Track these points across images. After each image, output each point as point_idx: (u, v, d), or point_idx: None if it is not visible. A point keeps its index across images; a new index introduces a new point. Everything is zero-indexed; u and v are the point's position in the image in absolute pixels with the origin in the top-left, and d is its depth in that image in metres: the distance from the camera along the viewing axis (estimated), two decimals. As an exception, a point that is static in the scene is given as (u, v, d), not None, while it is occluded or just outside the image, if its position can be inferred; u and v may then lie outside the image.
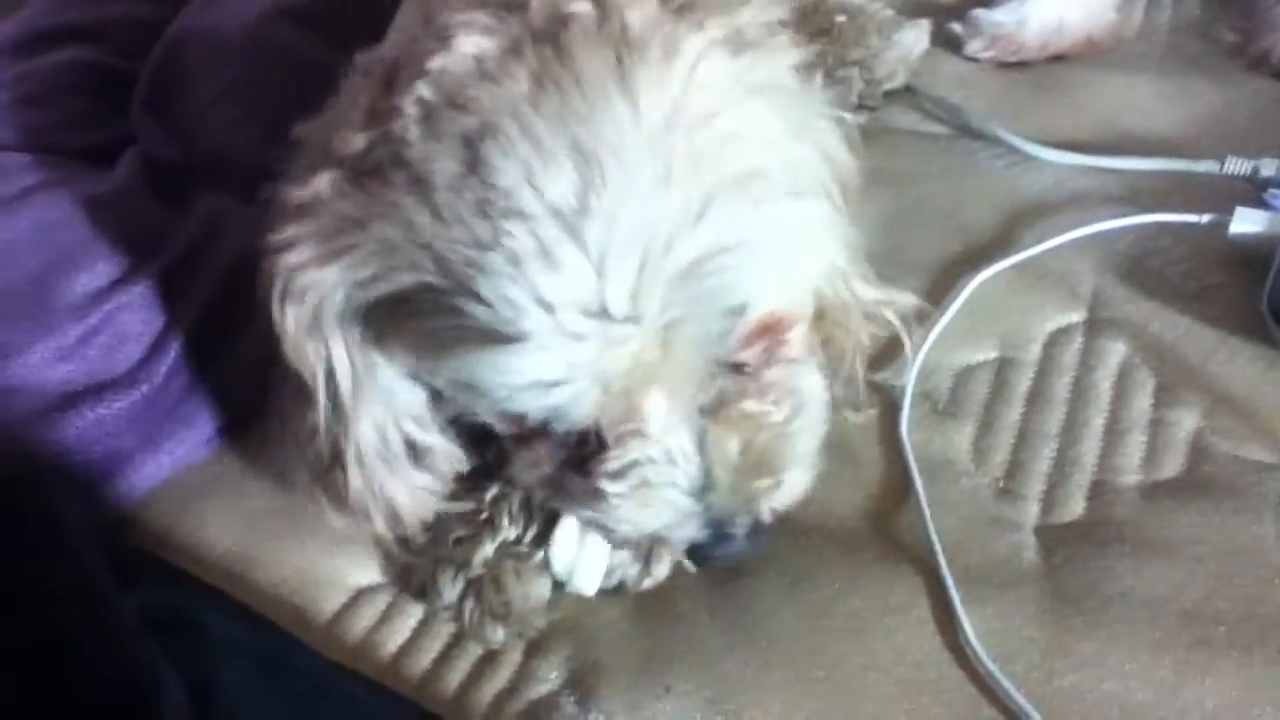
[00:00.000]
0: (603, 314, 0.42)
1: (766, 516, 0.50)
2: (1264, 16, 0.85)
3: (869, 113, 0.83)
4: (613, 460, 0.47)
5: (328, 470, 0.52)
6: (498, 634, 0.54)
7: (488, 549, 0.54)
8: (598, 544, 0.53)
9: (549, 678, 0.53)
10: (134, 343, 0.64)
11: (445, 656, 0.55)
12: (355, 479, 0.51)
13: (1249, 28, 0.86)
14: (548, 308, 0.42)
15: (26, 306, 0.64)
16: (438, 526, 0.56)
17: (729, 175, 0.44)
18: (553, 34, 0.44)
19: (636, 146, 0.42)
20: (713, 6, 0.47)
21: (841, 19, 0.84)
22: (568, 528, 0.53)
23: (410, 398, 0.51)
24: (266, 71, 0.76)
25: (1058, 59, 0.86)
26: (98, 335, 0.64)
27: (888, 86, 0.84)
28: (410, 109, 0.44)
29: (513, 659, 0.54)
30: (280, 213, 0.47)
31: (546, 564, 0.54)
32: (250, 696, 0.49)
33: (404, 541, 0.56)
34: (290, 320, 0.47)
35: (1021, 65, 0.86)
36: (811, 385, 0.53)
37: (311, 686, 0.52)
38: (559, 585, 0.55)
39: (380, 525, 0.53)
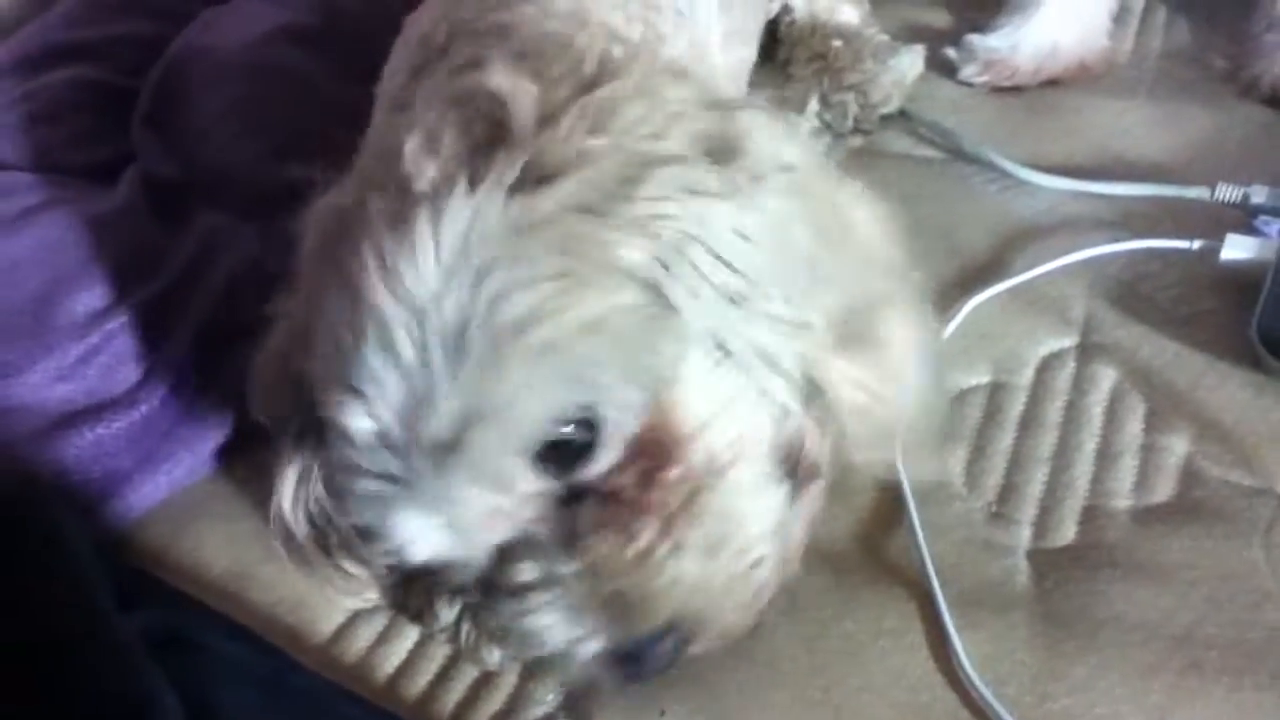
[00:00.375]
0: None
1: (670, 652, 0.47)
2: (1254, 43, 0.86)
3: (864, 136, 0.84)
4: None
5: None
6: (494, 656, 0.54)
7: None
8: None
9: (545, 700, 0.53)
10: (133, 363, 0.65)
11: (442, 678, 0.55)
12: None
13: (1239, 54, 0.87)
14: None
15: (28, 326, 0.64)
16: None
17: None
18: None
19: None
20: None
21: (837, 44, 0.85)
22: None
23: None
24: (267, 90, 0.77)
25: (1051, 84, 0.87)
26: (97, 355, 0.65)
27: (883, 111, 0.84)
28: None
29: (509, 681, 0.54)
30: None
31: None
32: (250, 717, 0.49)
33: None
34: None
35: (1015, 90, 0.87)
36: (751, 509, 0.47)
37: (310, 707, 0.52)
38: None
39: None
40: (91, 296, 0.66)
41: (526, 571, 0.45)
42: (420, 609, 0.56)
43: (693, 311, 0.44)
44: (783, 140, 0.48)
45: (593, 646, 0.45)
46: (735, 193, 0.45)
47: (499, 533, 0.45)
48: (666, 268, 0.44)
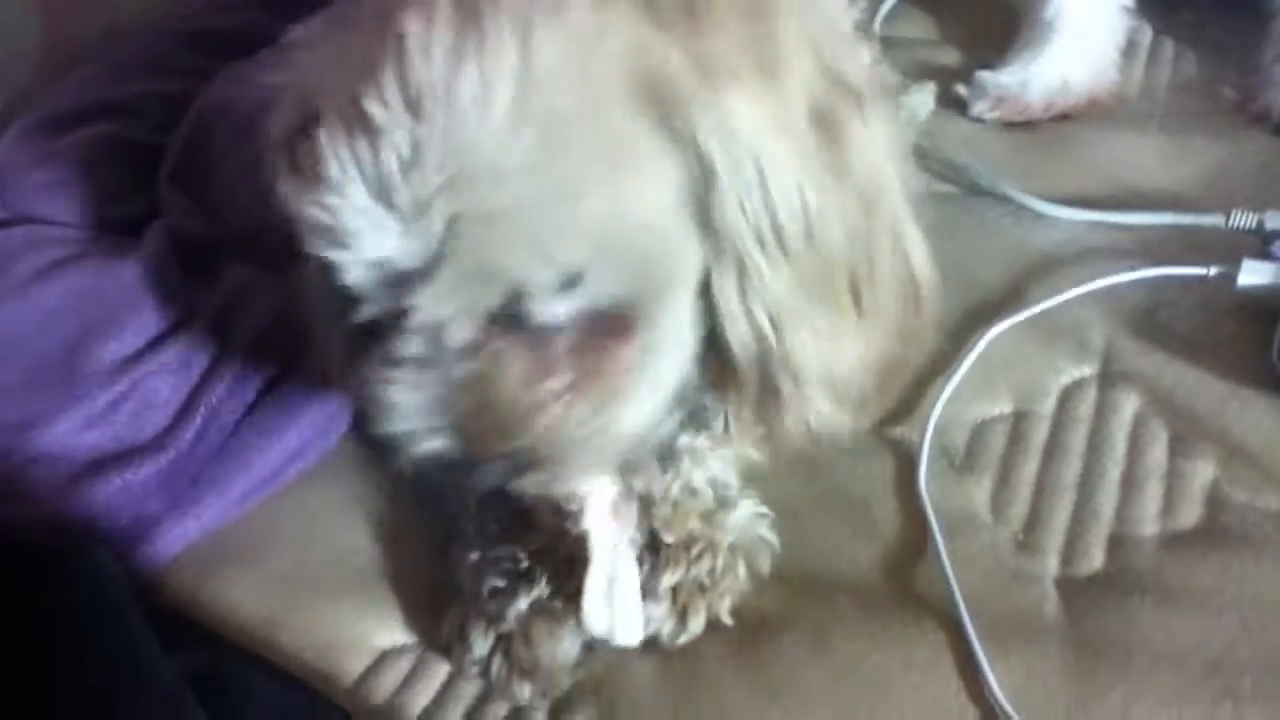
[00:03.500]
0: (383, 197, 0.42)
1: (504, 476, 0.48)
2: (1263, 74, 0.86)
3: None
4: (382, 347, 0.46)
5: None
6: (524, 692, 0.54)
7: (521, 604, 0.54)
8: (628, 596, 0.53)
9: (574, 739, 0.54)
10: (161, 409, 0.66)
11: (471, 716, 0.55)
12: None
13: (1248, 85, 0.87)
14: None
15: (57, 375, 0.65)
16: (472, 575, 0.56)
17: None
18: None
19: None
20: None
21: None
22: (594, 589, 0.53)
23: None
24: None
25: (1062, 118, 0.88)
26: (126, 402, 0.66)
27: (896, 148, 0.85)
28: None
29: (538, 719, 0.54)
30: None
31: (581, 625, 0.54)
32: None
33: None
34: None
35: (1027, 125, 0.88)
36: (633, 413, 0.48)
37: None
38: (590, 645, 0.55)
39: None
40: (120, 345, 0.67)
41: (417, 345, 0.44)
42: (451, 641, 0.56)
43: (717, 238, 0.45)
44: (884, 158, 0.49)
45: (435, 443, 0.46)
46: (821, 166, 0.46)
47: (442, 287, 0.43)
48: (716, 185, 0.44)
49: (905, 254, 0.50)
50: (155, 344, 0.67)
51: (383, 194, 0.42)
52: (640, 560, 0.54)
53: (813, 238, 0.46)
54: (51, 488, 0.62)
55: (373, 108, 0.41)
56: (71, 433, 0.64)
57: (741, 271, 0.46)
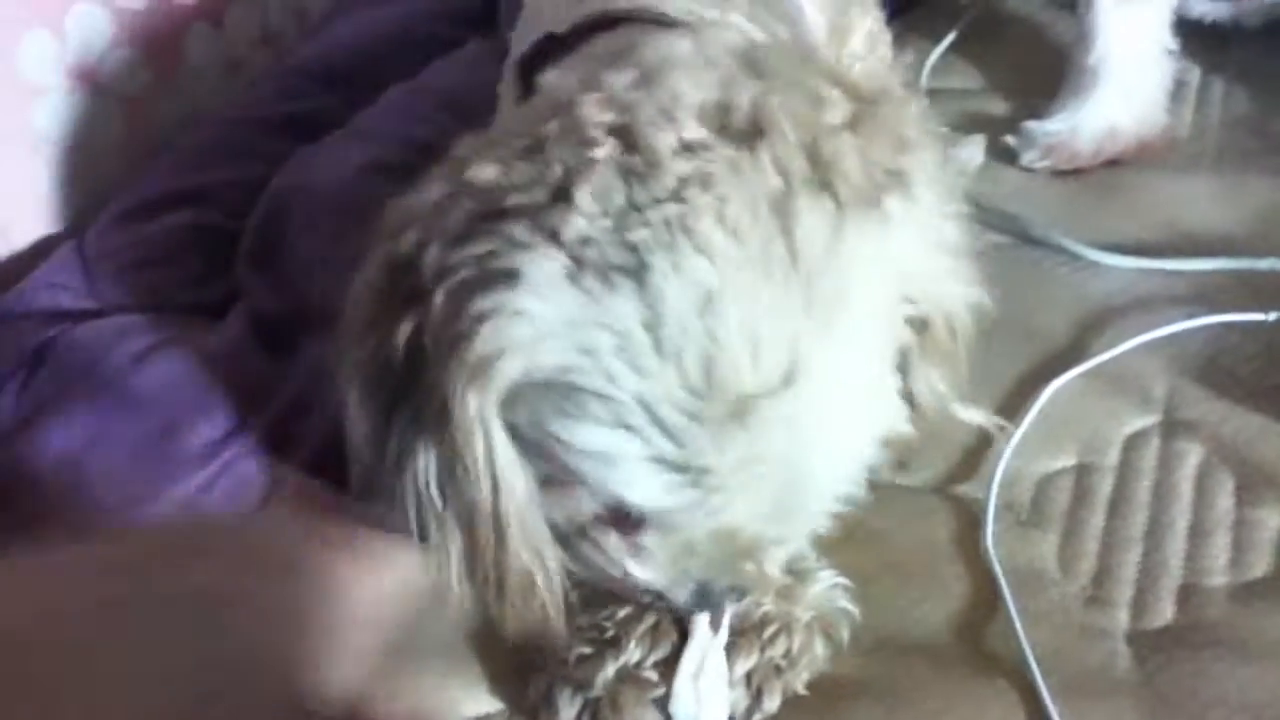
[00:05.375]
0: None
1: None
2: (1315, 110, 0.87)
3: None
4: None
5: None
6: None
7: (609, 670, 0.55)
8: (715, 681, 0.54)
9: (660, 806, 0.55)
10: (253, 488, 0.69)
11: (556, 785, 0.57)
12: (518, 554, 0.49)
13: (1300, 122, 0.88)
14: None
15: (153, 459, 0.68)
16: (560, 640, 0.56)
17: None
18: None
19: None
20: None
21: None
22: (685, 672, 0.54)
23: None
24: (363, 222, 0.82)
25: (1112, 164, 0.89)
26: (219, 481, 0.69)
27: (948, 201, 0.86)
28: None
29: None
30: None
31: (666, 712, 0.55)
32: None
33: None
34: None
35: (1077, 172, 0.89)
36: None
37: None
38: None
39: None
40: (210, 428, 0.70)
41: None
42: (538, 706, 0.57)
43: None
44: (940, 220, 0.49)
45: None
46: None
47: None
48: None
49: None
50: (243, 425, 0.70)
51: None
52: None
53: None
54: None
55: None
56: (169, 514, 0.67)
57: (931, 351, 0.49)
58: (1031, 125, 0.91)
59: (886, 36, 0.90)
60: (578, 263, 0.41)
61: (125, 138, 0.95)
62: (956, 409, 0.53)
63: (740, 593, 0.52)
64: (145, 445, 0.70)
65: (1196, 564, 0.61)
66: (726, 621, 0.55)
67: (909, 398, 0.50)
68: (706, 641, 0.54)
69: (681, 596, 0.51)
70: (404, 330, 0.45)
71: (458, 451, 0.45)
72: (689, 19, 0.57)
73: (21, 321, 0.78)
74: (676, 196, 0.42)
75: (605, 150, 0.42)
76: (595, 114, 0.44)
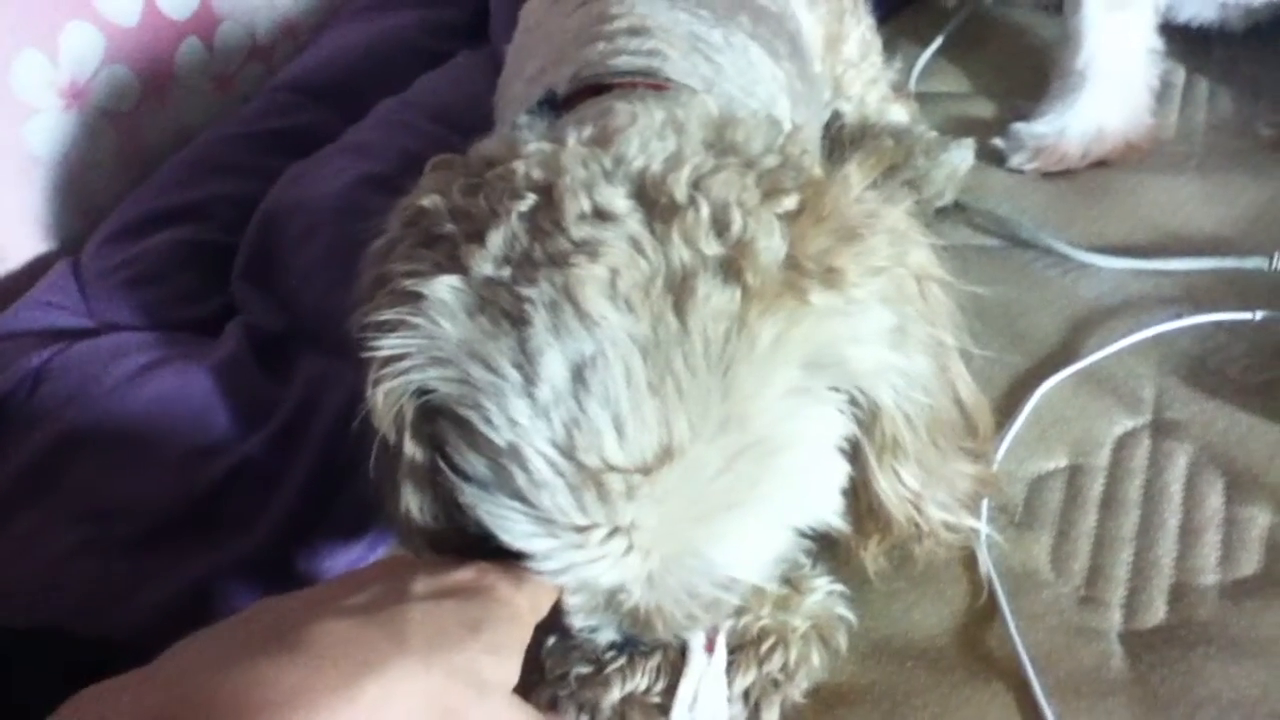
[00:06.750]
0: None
1: None
2: (1299, 109, 0.88)
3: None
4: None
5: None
6: None
7: (616, 694, 0.56)
8: (713, 708, 0.55)
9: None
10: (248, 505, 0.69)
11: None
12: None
13: (1285, 120, 0.89)
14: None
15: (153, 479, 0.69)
16: (556, 658, 0.57)
17: None
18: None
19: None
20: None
21: (889, 143, 0.88)
22: (682, 700, 0.54)
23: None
24: (357, 236, 0.82)
25: (1100, 165, 0.90)
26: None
27: (938, 204, 0.87)
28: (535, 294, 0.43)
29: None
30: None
31: None
32: None
33: None
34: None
35: (1066, 174, 0.89)
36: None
37: None
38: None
39: None
40: (208, 444, 0.70)
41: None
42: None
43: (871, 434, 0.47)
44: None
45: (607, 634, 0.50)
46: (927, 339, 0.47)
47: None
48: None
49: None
50: (241, 442, 0.71)
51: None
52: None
53: (934, 399, 0.48)
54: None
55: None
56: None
57: (884, 445, 0.47)
58: (1019, 127, 0.91)
59: (877, 43, 0.91)
60: (480, 299, 0.44)
61: (118, 155, 0.95)
62: (931, 510, 0.50)
63: (735, 611, 0.52)
64: (144, 465, 0.70)
65: (1187, 563, 0.61)
66: (722, 641, 0.55)
67: (874, 496, 0.48)
68: (702, 669, 0.54)
69: (609, 637, 0.51)
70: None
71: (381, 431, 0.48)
72: (687, 81, 0.59)
73: (18, 340, 0.79)
74: (565, 261, 0.43)
75: (524, 205, 0.45)
76: (527, 169, 0.46)
